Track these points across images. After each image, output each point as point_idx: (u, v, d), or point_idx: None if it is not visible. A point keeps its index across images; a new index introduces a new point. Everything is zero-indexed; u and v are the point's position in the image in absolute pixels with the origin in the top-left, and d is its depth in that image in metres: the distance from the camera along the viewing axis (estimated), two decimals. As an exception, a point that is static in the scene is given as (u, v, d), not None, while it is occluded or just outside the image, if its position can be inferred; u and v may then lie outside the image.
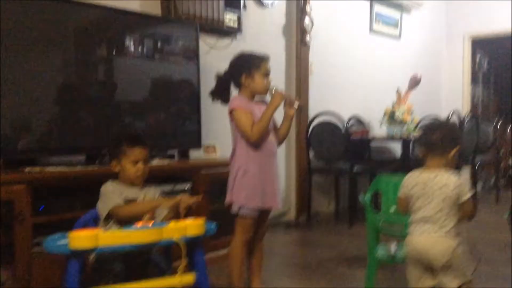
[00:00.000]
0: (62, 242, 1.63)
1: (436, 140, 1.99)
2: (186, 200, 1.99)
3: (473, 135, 5.16)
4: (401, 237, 2.61)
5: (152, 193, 2.11)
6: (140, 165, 2.03)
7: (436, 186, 1.94)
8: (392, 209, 2.79)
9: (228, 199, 2.41)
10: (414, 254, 1.96)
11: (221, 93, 2.46)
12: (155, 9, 3.44)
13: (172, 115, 3.32)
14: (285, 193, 4.60)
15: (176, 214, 2.00)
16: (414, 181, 2.01)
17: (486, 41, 7.02)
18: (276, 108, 2.36)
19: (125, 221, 1.89)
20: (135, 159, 2.03)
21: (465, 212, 1.96)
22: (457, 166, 2.04)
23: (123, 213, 1.92)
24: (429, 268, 1.94)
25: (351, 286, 2.75)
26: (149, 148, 2.11)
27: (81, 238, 1.60)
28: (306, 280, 2.87)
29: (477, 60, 7.44)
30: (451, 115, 4.68)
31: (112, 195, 1.97)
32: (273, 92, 2.40)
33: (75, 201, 2.53)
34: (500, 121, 7.78)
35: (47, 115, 2.70)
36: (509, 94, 8.47)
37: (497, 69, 8.24)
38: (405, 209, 2.06)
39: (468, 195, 1.94)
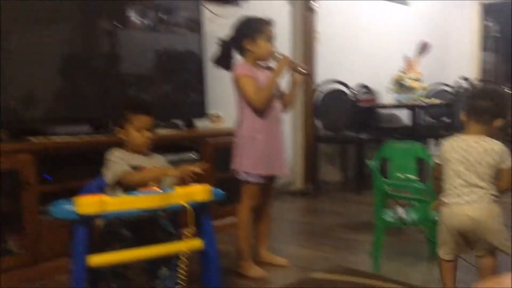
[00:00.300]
0: (69, 207, 1.62)
1: (486, 107, 1.91)
2: (191, 168, 1.98)
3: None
4: (408, 203, 2.62)
5: (158, 162, 2.10)
6: (145, 132, 2.01)
7: (480, 150, 1.86)
8: (400, 175, 2.79)
9: (234, 166, 2.40)
10: (463, 224, 1.85)
11: (224, 59, 2.42)
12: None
13: (177, 85, 3.30)
14: (292, 162, 4.59)
15: (182, 182, 1.99)
16: (455, 145, 1.93)
17: (497, 7, 6.86)
18: (281, 73, 2.32)
19: (131, 188, 1.89)
20: (140, 126, 2.00)
21: (502, 182, 1.86)
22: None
23: (132, 179, 1.90)
24: (468, 237, 1.89)
25: (359, 250, 2.75)
26: (154, 116, 2.08)
27: (88, 203, 1.60)
28: (313, 246, 2.88)
29: (487, 26, 7.28)
30: (461, 82, 4.60)
31: (119, 160, 1.96)
32: (277, 57, 2.35)
33: (81, 170, 2.53)
34: (510, 89, 7.66)
35: (52, 86, 2.69)
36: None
37: (507, 36, 8.08)
38: (441, 175, 1.97)
39: (508, 163, 1.86)
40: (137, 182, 1.88)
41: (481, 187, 1.85)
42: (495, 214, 1.85)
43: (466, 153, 1.88)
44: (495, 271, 1.91)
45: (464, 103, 2.06)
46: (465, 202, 1.85)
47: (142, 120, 2.01)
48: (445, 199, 1.91)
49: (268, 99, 2.32)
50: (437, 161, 2.01)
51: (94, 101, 2.87)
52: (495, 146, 1.87)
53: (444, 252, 1.94)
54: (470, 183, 1.85)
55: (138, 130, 2.00)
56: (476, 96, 2.04)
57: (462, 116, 2.00)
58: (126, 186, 1.91)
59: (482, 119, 1.91)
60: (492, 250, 1.90)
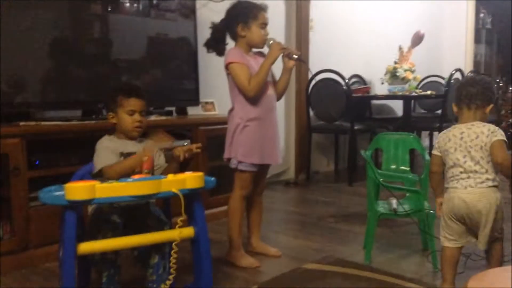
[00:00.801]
0: (59, 193, 1.59)
1: (475, 92, 1.96)
2: (185, 148, 1.96)
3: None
4: (401, 194, 2.62)
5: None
6: (136, 116, 1.97)
7: (473, 136, 1.91)
8: (393, 166, 2.78)
9: (226, 154, 2.38)
10: (460, 208, 1.89)
11: (216, 44, 2.38)
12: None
13: (169, 72, 3.25)
14: (285, 152, 4.57)
15: (176, 164, 1.97)
16: (449, 135, 1.97)
17: (490, -2, 6.87)
18: (274, 60, 2.28)
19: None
20: (131, 109, 1.96)
21: (494, 156, 1.86)
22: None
23: (111, 173, 1.83)
24: (470, 225, 1.91)
25: (351, 241, 2.75)
26: (146, 101, 2.03)
27: (77, 189, 1.57)
28: (305, 236, 2.87)
29: (481, 18, 7.28)
30: (454, 74, 4.59)
31: (104, 151, 1.91)
32: (270, 44, 2.31)
33: (71, 155, 2.50)
34: (502, 81, 7.69)
35: (43, 70, 2.64)
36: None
37: (500, 28, 8.09)
38: (439, 167, 2.01)
39: (499, 137, 1.87)
40: (119, 174, 1.82)
41: (478, 172, 1.88)
42: (489, 199, 1.86)
43: (461, 141, 1.93)
44: (501, 260, 1.95)
45: (454, 93, 2.10)
46: (462, 187, 1.89)
47: (133, 103, 1.97)
48: (446, 185, 1.96)
49: (261, 86, 2.28)
50: (435, 152, 2.02)
51: (85, 86, 2.83)
52: (484, 128, 1.91)
53: (444, 238, 1.96)
54: (468, 170, 1.89)
55: (129, 113, 1.96)
56: (465, 84, 2.06)
57: (454, 107, 2.05)
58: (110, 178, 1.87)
59: (473, 105, 1.96)
60: (496, 239, 1.92)
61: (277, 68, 2.41)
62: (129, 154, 1.95)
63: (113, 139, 1.99)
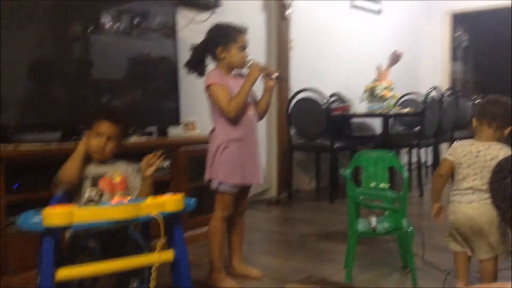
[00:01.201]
0: (36, 219, 1.57)
1: (499, 112, 2.05)
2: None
3: (452, 112, 5.19)
4: (381, 212, 2.64)
5: (123, 169, 2.05)
6: (101, 140, 1.97)
7: (488, 157, 2.01)
8: (373, 184, 2.81)
9: (207, 175, 2.38)
10: (463, 221, 2.04)
11: (196, 65, 2.40)
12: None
13: (150, 92, 3.25)
14: (266, 171, 4.58)
15: (148, 183, 2.00)
16: (466, 149, 2.07)
17: (466, 17, 7.03)
18: (254, 81, 2.31)
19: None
20: (98, 132, 1.97)
21: None
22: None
23: (62, 173, 1.92)
24: (469, 238, 2.06)
25: (332, 260, 2.76)
26: (123, 127, 2.03)
27: (55, 215, 1.55)
28: (287, 256, 2.87)
29: (457, 36, 7.46)
30: (431, 91, 4.69)
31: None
32: (249, 65, 2.34)
33: (51, 179, 2.47)
34: (479, 98, 7.83)
35: (22, 92, 2.63)
36: (488, 71, 8.54)
37: (476, 46, 8.29)
38: (447, 173, 2.13)
39: None
40: (67, 174, 1.91)
41: (483, 190, 2.00)
42: (491, 216, 1.97)
43: (476, 159, 2.04)
44: (494, 277, 2.07)
45: (476, 109, 2.20)
46: (466, 202, 2.04)
47: (101, 126, 1.97)
48: (452, 197, 2.11)
49: (241, 108, 2.30)
50: (447, 157, 2.14)
51: (65, 108, 2.81)
52: (501, 152, 2.01)
53: (452, 245, 2.16)
54: (474, 188, 2.03)
55: (96, 136, 1.97)
56: (490, 102, 2.14)
57: (474, 122, 2.14)
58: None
59: (495, 125, 2.06)
60: (493, 255, 2.05)
61: (259, 88, 2.43)
62: (95, 177, 1.95)
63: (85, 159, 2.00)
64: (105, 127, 1.97)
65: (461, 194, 2.05)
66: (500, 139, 2.07)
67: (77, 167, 1.91)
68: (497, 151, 2.00)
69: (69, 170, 1.89)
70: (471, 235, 2.05)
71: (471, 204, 2.02)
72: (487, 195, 1.96)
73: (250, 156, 2.38)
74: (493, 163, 1.95)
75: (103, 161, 2.01)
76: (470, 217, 2.02)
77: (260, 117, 2.47)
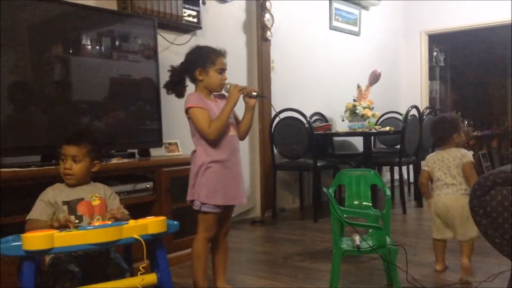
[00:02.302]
0: (16, 243, 1.54)
1: (440, 132, 2.84)
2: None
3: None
4: (365, 230, 2.65)
5: (101, 192, 2.04)
6: (65, 163, 1.97)
7: (451, 158, 2.73)
8: (356, 202, 2.82)
9: (189, 196, 2.36)
10: (441, 209, 2.71)
11: (175, 86, 2.40)
12: (110, 5, 3.35)
13: (132, 114, 3.23)
14: (250, 190, 4.58)
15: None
16: (435, 158, 2.79)
17: (442, 37, 7.21)
18: (234, 103, 2.32)
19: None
20: (63, 156, 1.98)
21: (465, 173, 2.67)
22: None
23: (28, 228, 1.85)
24: (449, 222, 2.69)
25: (317, 279, 2.75)
26: (90, 146, 2.01)
27: (35, 239, 1.53)
28: (271, 276, 2.85)
29: (434, 55, 7.62)
30: (411, 110, 4.76)
31: (39, 204, 1.93)
32: (228, 88, 2.35)
33: (31, 203, 2.42)
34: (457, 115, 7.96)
35: (1, 115, 2.58)
36: (464, 89, 8.73)
37: (453, 65, 8.48)
38: (426, 180, 2.83)
39: (467, 158, 2.70)
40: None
41: (454, 184, 2.70)
42: (463, 203, 2.55)
43: (443, 163, 2.75)
44: (471, 254, 2.68)
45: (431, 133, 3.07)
46: (443, 194, 2.72)
47: (66, 150, 1.98)
48: (433, 194, 2.78)
49: (221, 130, 2.30)
50: (425, 168, 2.82)
51: (45, 130, 2.78)
52: (458, 152, 2.74)
53: (435, 233, 2.78)
54: (447, 183, 2.72)
55: (63, 160, 1.98)
56: (434, 122, 2.95)
57: (435, 140, 3.12)
58: None
59: (444, 139, 2.82)
60: (469, 237, 2.64)
61: (240, 108, 2.44)
62: (72, 202, 1.94)
63: (60, 186, 2.00)
64: (66, 150, 1.98)
65: (439, 189, 2.73)
66: (457, 144, 2.79)
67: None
68: (454, 153, 2.74)
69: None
70: (450, 219, 2.68)
71: (447, 195, 2.69)
72: (458, 187, 2.68)
73: (232, 177, 2.38)
74: (456, 162, 2.70)
75: (80, 184, 2.00)
76: (447, 204, 2.69)
77: (243, 137, 2.47)
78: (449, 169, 2.70)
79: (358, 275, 2.80)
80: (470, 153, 2.75)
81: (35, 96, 2.75)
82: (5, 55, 2.58)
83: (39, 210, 1.91)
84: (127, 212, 2.01)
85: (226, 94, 2.37)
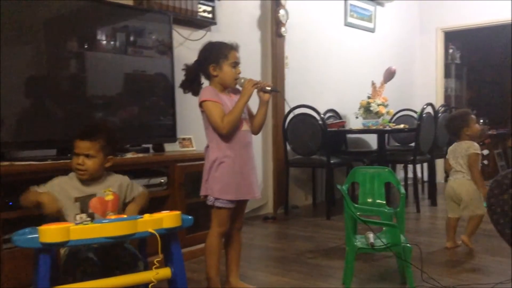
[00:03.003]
0: (32, 236, 1.56)
1: (452, 128, 3.31)
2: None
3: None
4: (378, 228, 2.64)
5: (117, 185, 2.04)
6: (79, 159, 1.96)
7: (461, 149, 3.18)
8: (369, 200, 2.81)
9: (202, 191, 2.37)
10: (449, 191, 3.21)
11: (190, 84, 2.40)
12: (126, 1, 3.36)
13: (146, 109, 3.25)
14: (263, 187, 4.58)
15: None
16: (451, 149, 3.27)
17: (459, 34, 7.12)
18: (248, 98, 2.32)
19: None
20: (77, 152, 1.97)
21: (468, 163, 3.12)
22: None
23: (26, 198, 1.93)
24: (458, 202, 3.16)
25: (329, 276, 2.74)
26: (104, 141, 2.01)
27: (52, 232, 1.54)
28: (284, 273, 2.85)
29: (450, 53, 7.54)
30: (426, 107, 4.71)
31: (49, 184, 1.96)
32: (242, 82, 2.35)
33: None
34: (473, 114, 7.86)
35: (17, 109, 2.61)
36: (480, 86, 8.63)
37: (469, 62, 8.38)
38: (448, 167, 3.30)
39: (471, 150, 3.12)
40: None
41: (461, 171, 3.17)
42: (468, 187, 3.12)
43: (454, 153, 3.23)
44: (476, 227, 3.16)
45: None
46: (453, 179, 3.22)
47: (79, 145, 1.98)
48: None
49: (234, 125, 2.30)
50: (447, 157, 3.30)
51: (60, 125, 2.81)
52: (466, 145, 3.17)
53: (448, 212, 3.25)
54: (456, 170, 3.20)
55: (76, 155, 1.98)
56: (446, 124, 3.44)
57: (450, 136, 3.73)
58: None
59: (456, 134, 3.28)
60: (474, 214, 3.12)
61: (254, 103, 2.43)
62: (85, 198, 1.94)
63: (74, 178, 2.00)
64: (78, 145, 1.97)
65: (451, 175, 3.24)
66: (471, 137, 3.18)
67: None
68: (463, 145, 3.18)
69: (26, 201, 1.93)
70: (458, 200, 3.16)
71: (456, 180, 3.19)
72: (464, 174, 3.14)
73: (245, 171, 2.38)
74: (463, 153, 3.15)
75: (93, 179, 2.00)
76: (454, 187, 3.19)
77: (256, 131, 2.47)
78: (457, 159, 3.18)
79: (371, 273, 2.78)
80: (476, 145, 3.16)
81: (51, 91, 2.77)
82: (22, 50, 2.61)
83: (46, 188, 1.94)
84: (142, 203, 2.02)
85: (240, 88, 2.37)
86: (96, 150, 1.98)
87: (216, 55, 2.33)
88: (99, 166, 2.00)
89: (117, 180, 2.07)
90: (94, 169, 1.98)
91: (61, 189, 1.96)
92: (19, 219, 2.29)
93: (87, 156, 1.96)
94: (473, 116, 3.27)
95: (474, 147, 3.13)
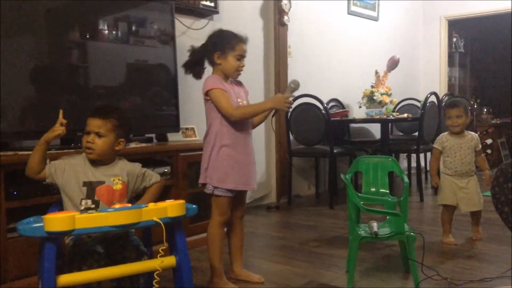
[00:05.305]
0: (38, 225, 1.56)
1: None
2: None
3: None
4: (382, 217, 2.64)
5: (125, 175, 1.99)
6: (87, 136, 1.92)
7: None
8: (373, 189, 2.81)
9: (201, 179, 2.37)
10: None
11: (194, 67, 2.40)
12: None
13: (149, 99, 3.25)
14: (266, 176, 4.58)
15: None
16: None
17: (463, 23, 7.08)
18: (273, 109, 2.38)
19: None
20: (87, 129, 1.93)
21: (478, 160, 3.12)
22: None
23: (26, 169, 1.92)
24: (456, 194, 3.06)
25: (333, 265, 2.75)
26: (116, 121, 1.96)
27: (57, 221, 1.55)
28: (287, 261, 2.86)
29: (454, 41, 7.50)
30: (429, 97, 4.70)
31: (63, 163, 1.94)
32: (292, 88, 2.37)
33: (50, 185, 2.46)
34: (476, 103, 7.87)
35: (20, 99, 2.62)
36: (484, 75, 8.59)
37: (472, 51, 8.33)
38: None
39: (479, 146, 3.12)
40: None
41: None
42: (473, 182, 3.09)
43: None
44: (478, 222, 3.17)
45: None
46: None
47: (90, 122, 1.93)
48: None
49: (246, 118, 2.33)
50: None
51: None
52: (472, 136, 3.15)
53: (446, 201, 3.12)
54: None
55: (86, 133, 1.94)
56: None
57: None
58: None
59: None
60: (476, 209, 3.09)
61: (256, 99, 2.43)
62: (93, 184, 1.91)
63: (84, 160, 1.96)
64: (91, 122, 1.93)
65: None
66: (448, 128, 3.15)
67: (36, 158, 1.91)
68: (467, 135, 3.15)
69: (29, 162, 1.91)
70: (454, 191, 3.11)
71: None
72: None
73: (244, 161, 2.38)
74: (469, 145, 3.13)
75: (103, 163, 1.97)
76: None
77: (255, 126, 2.49)
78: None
79: (375, 262, 2.79)
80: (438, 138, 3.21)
81: (54, 81, 2.76)
82: (24, 40, 2.60)
83: (59, 165, 1.93)
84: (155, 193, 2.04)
85: (293, 86, 2.38)
86: (107, 129, 1.93)
87: (223, 44, 2.32)
88: (109, 147, 1.94)
89: (128, 167, 2.02)
90: (103, 149, 1.93)
91: (72, 168, 1.92)
92: (23, 208, 2.31)
93: (97, 134, 1.92)
94: (449, 109, 3.13)
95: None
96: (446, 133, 3.19)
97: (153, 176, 2.09)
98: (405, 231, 2.35)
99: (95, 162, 1.96)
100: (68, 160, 1.96)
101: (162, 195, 2.07)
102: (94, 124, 1.93)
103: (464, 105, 3.11)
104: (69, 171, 1.92)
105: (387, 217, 2.63)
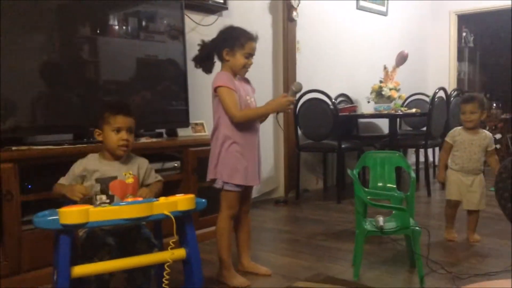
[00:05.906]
0: (53, 217, 1.62)
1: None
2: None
3: (458, 112, 5.18)
4: (388, 211, 2.67)
5: (136, 167, 2.05)
6: (123, 134, 1.95)
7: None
8: (380, 184, 2.83)
9: (210, 175, 2.41)
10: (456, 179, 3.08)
11: (204, 61, 2.43)
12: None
13: (159, 94, 3.29)
14: (274, 171, 4.62)
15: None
16: None
17: (472, 17, 7.04)
18: (276, 111, 2.41)
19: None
20: (117, 127, 1.95)
21: (491, 161, 3.07)
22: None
23: (55, 192, 1.96)
24: (461, 190, 3.04)
25: (339, 259, 2.79)
26: (135, 119, 2.02)
27: (72, 214, 1.60)
28: (295, 254, 2.90)
29: (463, 36, 7.46)
30: (438, 92, 4.70)
31: (71, 173, 1.97)
32: (294, 91, 2.40)
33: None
34: (486, 98, 7.81)
35: (33, 95, 2.67)
36: (494, 70, 8.54)
37: (482, 46, 8.28)
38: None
39: (492, 146, 3.07)
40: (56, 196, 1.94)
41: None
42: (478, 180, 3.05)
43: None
44: (476, 223, 3.07)
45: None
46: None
47: (119, 120, 1.95)
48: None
49: (249, 120, 2.37)
50: None
51: (76, 110, 2.86)
52: (485, 134, 3.09)
53: (452, 196, 3.08)
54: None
55: (115, 131, 1.95)
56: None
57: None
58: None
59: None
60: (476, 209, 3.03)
61: (260, 99, 2.46)
62: (106, 180, 1.96)
63: (96, 158, 2.00)
64: (122, 121, 1.95)
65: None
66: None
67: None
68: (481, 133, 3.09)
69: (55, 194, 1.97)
70: (460, 188, 3.07)
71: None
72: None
73: (252, 158, 2.42)
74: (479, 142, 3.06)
75: (119, 158, 2.01)
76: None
77: (261, 121, 2.54)
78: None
79: (381, 256, 2.83)
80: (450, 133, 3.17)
81: (65, 76, 2.80)
82: (35, 36, 2.65)
83: (69, 179, 1.96)
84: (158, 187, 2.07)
85: (294, 89, 2.42)
86: (134, 126, 2.00)
87: (233, 41, 2.35)
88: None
89: (138, 161, 2.07)
90: (132, 144, 2.00)
91: (84, 171, 1.96)
92: (38, 201, 2.37)
93: (129, 131, 1.97)
94: (464, 104, 3.12)
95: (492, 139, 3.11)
96: (459, 127, 3.13)
97: (157, 176, 2.15)
98: (410, 225, 2.38)
99: (109, 158, 2.01)
100: (75, 171, 1.99)
101: (172, 190, 2.12)
102: (127, 121, 1.97)
103: (479, 101, 3.05)
104: (81, 176, 1.98)
105: (394, 212, 2.66)
